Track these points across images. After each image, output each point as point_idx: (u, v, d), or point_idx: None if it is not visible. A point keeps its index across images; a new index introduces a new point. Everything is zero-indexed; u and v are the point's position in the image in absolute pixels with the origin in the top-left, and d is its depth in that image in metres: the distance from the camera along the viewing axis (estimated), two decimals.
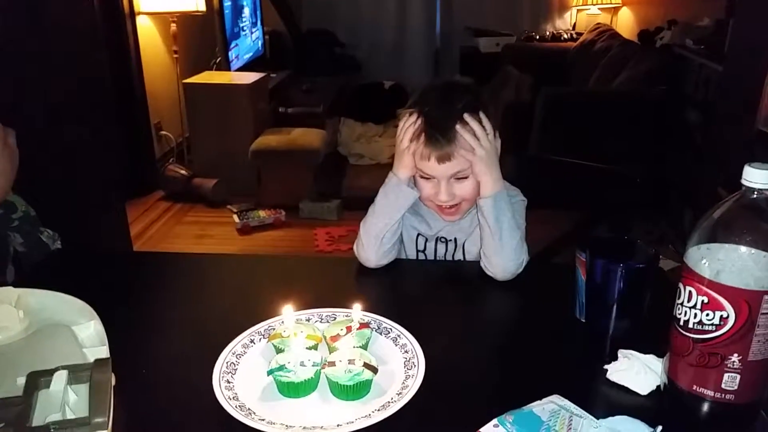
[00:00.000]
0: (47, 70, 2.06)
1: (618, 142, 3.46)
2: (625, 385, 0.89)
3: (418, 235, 1.38)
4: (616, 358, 0.92)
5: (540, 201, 1.40)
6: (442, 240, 1.37)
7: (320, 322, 1.04)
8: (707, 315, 0.76)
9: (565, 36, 5.87)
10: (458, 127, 1.20)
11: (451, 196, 1.26)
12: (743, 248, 0.74)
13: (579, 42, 5.39)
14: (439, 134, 1.20)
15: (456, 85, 1.33)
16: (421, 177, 1.27)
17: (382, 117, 4.81)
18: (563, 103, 3.73)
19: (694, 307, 0.77)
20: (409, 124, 1.24)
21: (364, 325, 0.98)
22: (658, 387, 0.87)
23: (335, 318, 1.04)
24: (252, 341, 0.99)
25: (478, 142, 1.20)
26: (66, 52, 2.15)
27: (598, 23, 5.58)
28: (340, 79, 5.45)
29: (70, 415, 0.74)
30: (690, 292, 0.78)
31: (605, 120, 3.55)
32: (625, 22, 5.65)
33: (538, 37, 5.92)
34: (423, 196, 1.29)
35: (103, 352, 0.87)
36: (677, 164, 3.41)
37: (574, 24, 6.14)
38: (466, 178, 1.24)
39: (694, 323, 0.78)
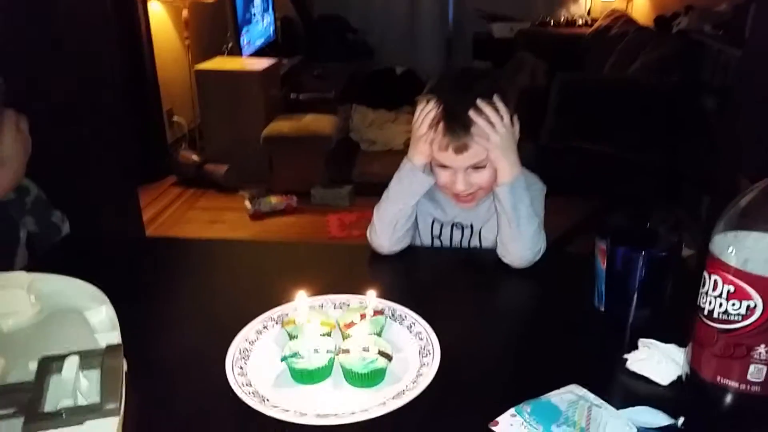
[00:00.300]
0: (59, 59, 2.04)
1: (633, 128, 3.41)
2: (645, 375, 0.87)
3: (434, 220, 1.36)
4: (635, 348, 0.90)
5: (553, 188, 1.37)
6: (458, 226, 1.35)
7: (334, 308, 1.03)
8: (733, 305, 0.74)
9: (580, 21, 5.80)
10: (472, 113, 1.17)
11: (469, 185, 1.24)
12: None
13: (594, 28, 5.32)
14: (457, 124, 1.18)
15: (473, 72, 1.30)
16: (438, 166, 1.25)
17: (395, 103, 4.78)
18: (579, 89, 3.68)
19: (720, 296, 0.75)
20: (426, 112, 1.22)
21: (378, 313, 0.97)
22: (679, 377, 0.86)
23: (348, 305, 1.03)
24: (265, 327, 0.98)
25: (492, 128, 1.17)
26: (78, 40, 2.14)
27: (614, 9, 5.50)
28: (352, 65, 5.42)
29: (81, 401, 0.74)
30: (715, 280, 0.76)
31: (621, 106, 3.50)
32: (641, 8, 5.56)
33: (552, 22, 5.85)
34: (439, 183, 1.27)
35: (115, 337, 0.86)
36: (694, 151, 3.36)
37: (589, 9, 6.06)
38: (483, 167, 1.22)
39: (719, 313, 0.76)
